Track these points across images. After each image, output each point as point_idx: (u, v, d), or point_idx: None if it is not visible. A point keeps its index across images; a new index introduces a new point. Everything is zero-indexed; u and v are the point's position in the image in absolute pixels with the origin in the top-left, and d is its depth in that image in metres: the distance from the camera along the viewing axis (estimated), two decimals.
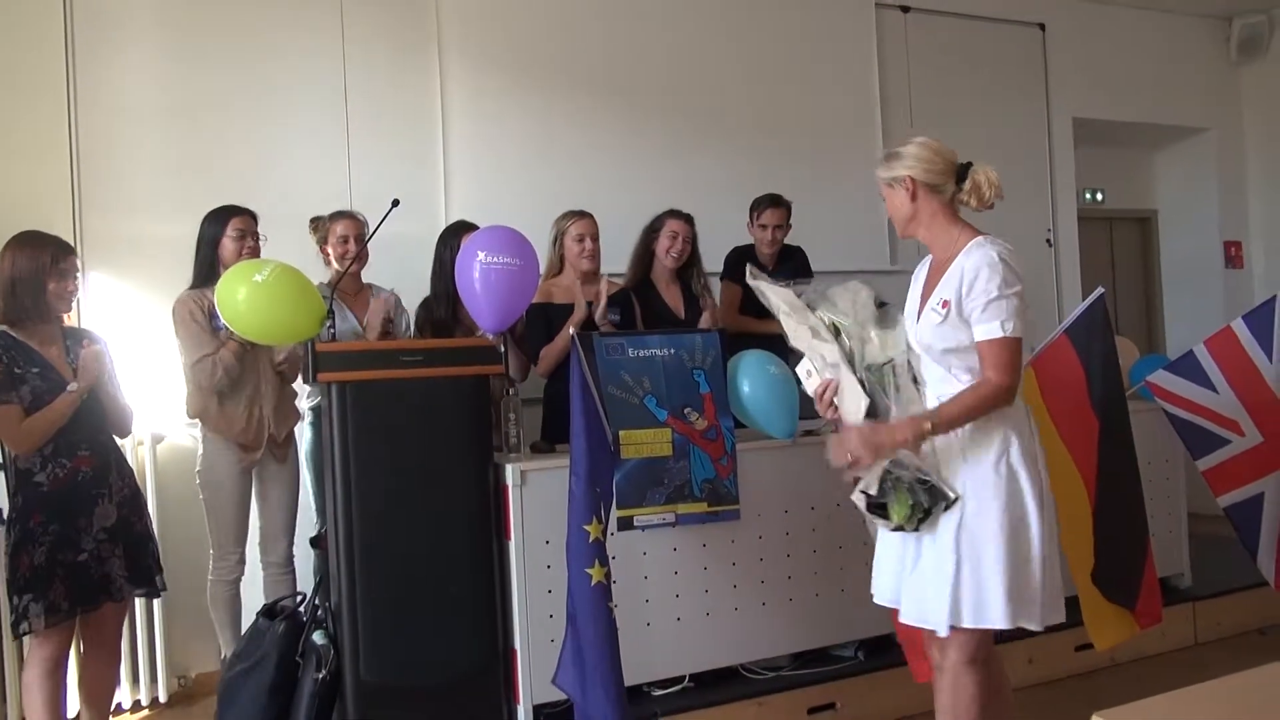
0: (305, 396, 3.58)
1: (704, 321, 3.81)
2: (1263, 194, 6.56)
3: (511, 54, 4.44)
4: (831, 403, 2.31)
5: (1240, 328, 3.65)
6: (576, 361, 2.72)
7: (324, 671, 2.75)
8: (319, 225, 3.63)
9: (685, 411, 3.03)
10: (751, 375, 3.15)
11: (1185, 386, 3.69)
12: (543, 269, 3.46)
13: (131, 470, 3.01)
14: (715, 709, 3.08)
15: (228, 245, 3.31)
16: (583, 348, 2.79)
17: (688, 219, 3.87)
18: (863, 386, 2.25)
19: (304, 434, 3.58)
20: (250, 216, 3.36)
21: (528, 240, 3.14)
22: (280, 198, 3.75)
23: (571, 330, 3.27)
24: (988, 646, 2.31)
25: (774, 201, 4.14)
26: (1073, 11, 5.91)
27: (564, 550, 2.65)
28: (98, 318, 3.68)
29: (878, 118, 5.24)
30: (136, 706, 3.61)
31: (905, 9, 5.39)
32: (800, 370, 2.39)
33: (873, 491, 2.24)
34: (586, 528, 2.56)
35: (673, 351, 3.05)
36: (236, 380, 3.26)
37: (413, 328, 3.66)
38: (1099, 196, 6.63)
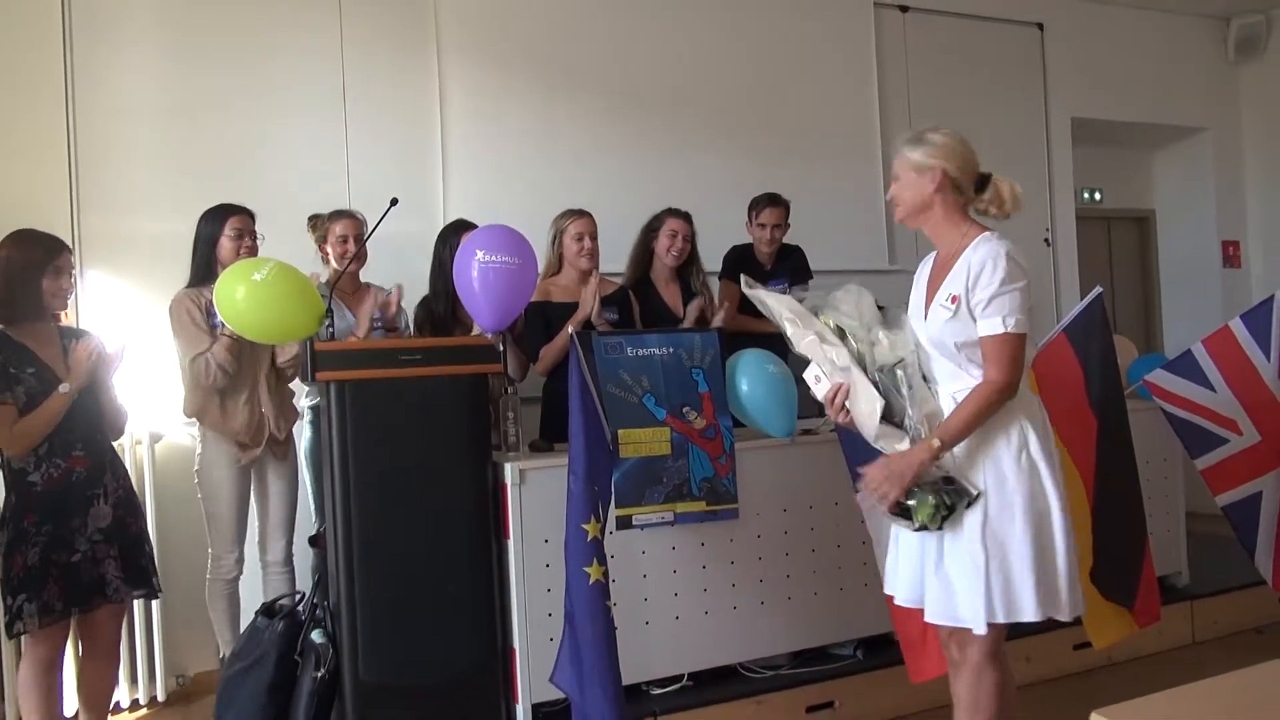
0: (304, 395, 3.58)
1: (693, 308, 3.79)
2: (1260, 194, 6.57)
3: (510, 53, 4.45)
4: (843, 406, 2.30)
5: (1238, 327, 3.65)
6: (575, 360, 2.72)
7: (323, 670, 2.75)
8: (318, 224, 3.63)
9: (684, 410, 3.03)
10: (750, 374, 3.15)
11: (1183, 386, 3.70)
12: (541, 268, 3.47)
13: (126, 471, 3.00)
14: (714, 708, 3.08)
15: (225, 244, 3.30)
16: (581, 347, 2.79)
17: (686, 217, 3.87)
18: (877, 388, 2.25)
19: (303, 433, 3.58)
20: (248, 215, 3.36)
21: (526, 239, 3.14)
22: (278, 197, 3.75)
23: (570, 329, 3.27)
24: (1004, 641, 2.31)
25: (772, 200, 4.14)
26: (1071, 11, 5.92)
27: (562, 549, 2.65)
28: (96, 317, 3.68)
29: (876, 117, 5.25)
30: (135, 705, 3.60)
31: (904, 9, 5.40)
32: (808, 376, 2.37)
33: None
34: (585, 526, 2.56)
35: (671, 350, 3.06)
36: (235, 378, 3.26)
37: (411, 327, 3.66)
38: (1097, 196, 6.63)
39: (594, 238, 3.62)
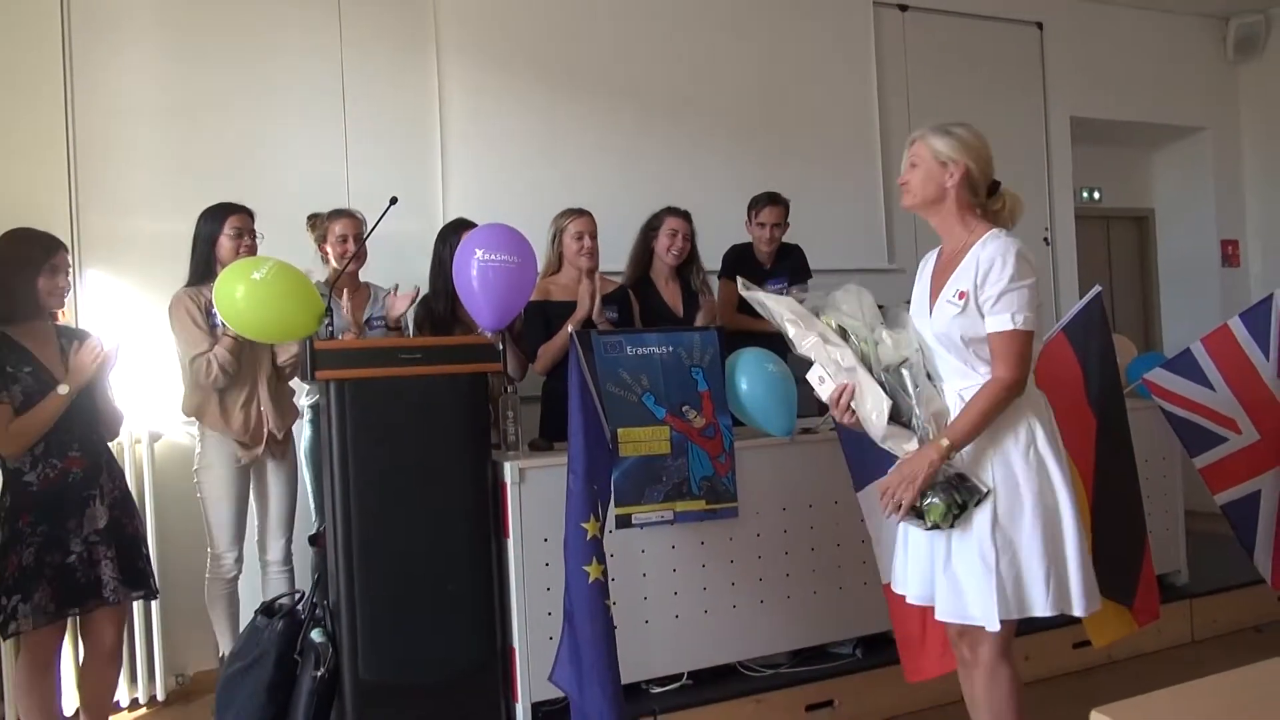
0: (304, 394, 3.58)
1: (701, 317, 3.81)
2: (1259, 193, 6.58)
3: (509, 53, 4.45)
4: (849, 407, 2.29)
5: (1237, 326, 3.66)
6: (575, 359, 2.73)
7: (322, 669, 2.75)
8: (317, 223, 3.63)
9: (683, 409, 3.03)
10: (750, 373, 3.15)
11: (1182, 384, 3.70)
12: (541, 267, 3.47)
13: (122, 471, 2.98)
14: (713, 706, 3.08)
15: (224, 243, 3.30)
16: (581, 345, 2.80)
17: (686, 216, 3.87)
18: (883, 388, 2.24)
19: (302, 431, 3.58)
20: (247, 214, 3.36)
21: (525, 238, 3.14)
22: (278, 196, 3.75)
23: (570, 328, 3.27)
24: (1013, 638, 2.31)
25: (772, 199, 4.14)
26: (1070, 11, 5.93)
27: (562, 548, 2.65)
28: (95, 316, 3.68)
29: (875, 116, 5.25)
30: (135, 705, 3.60)
31: (903, 7, 5.40)
32: (811, 377, 2.35)
33: None
34: (584, 525, 2.56)
35: (671, 349, 3.06)
36: (234, 377, 3.26)
37: (410, 326, 3.66)
38: (1096, 195, 6.64)
39: (593, 237, 3.62)
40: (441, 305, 3.54)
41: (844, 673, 3.28)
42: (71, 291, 2.93)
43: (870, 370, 2.26)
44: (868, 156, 5.22)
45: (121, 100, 3.82)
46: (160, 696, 3.65)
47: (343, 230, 3.54)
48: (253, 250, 3.32)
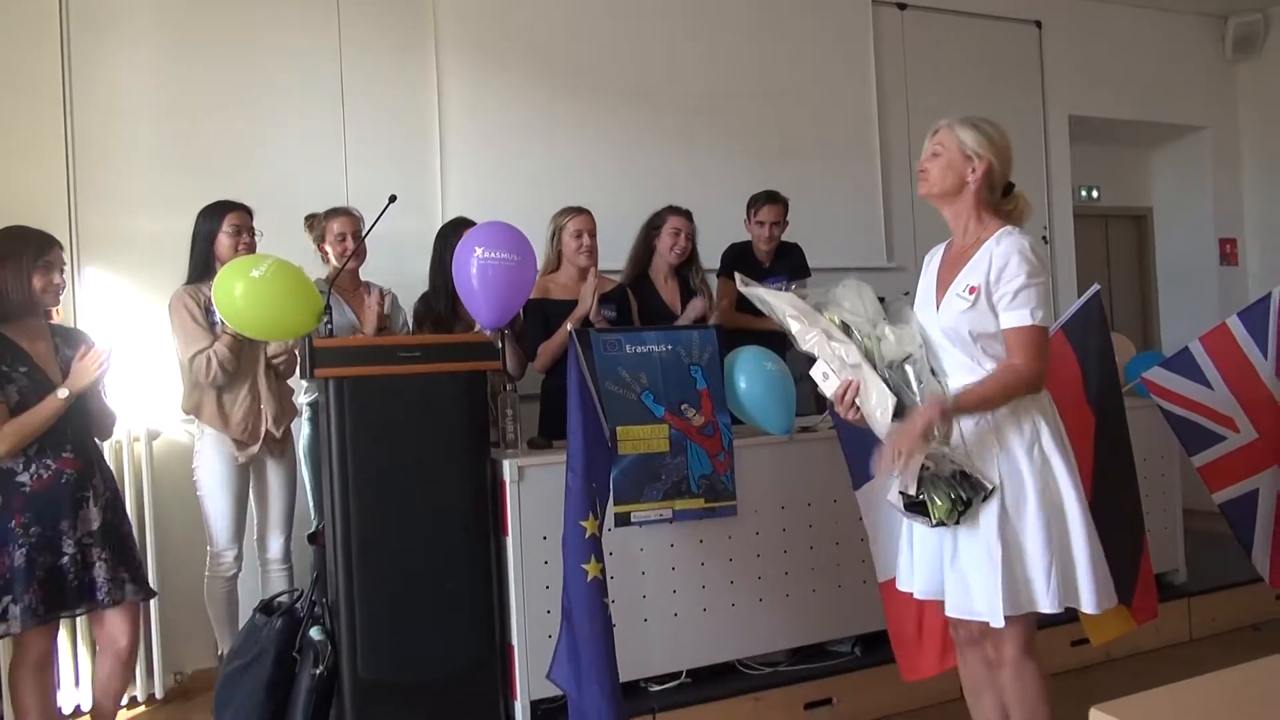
0: (303, 392, 3.58)
1: (692, 308, 3.80)
2: (1257, 192, 6.58)
3: (508, 50, 4.44)
4: (853, 403, 2.27)
5: (1235, 324, 3.66)
6: (574, 357, 2.72)
7: (321, 667, 2.75)
8: (314, 223, 3.63)
9: (682, 407, 3.03)
10: (749, 371, 3.15)
11: (1181, 383, 3.70)
12: (540, 265, 3.47)
13: (113, 472, 2.96)
14: (712, 704, 3.08)
15: (223, 241, 3.30)
16: (580, 344, 2.79)
17: (688, 215, 3.87)
18: (887, 384, 2.23)
19: (301, 429, 3.58)
20: (246, 212, 3.36)
21: (525, 236, 3.14)
22: (277, 195, 3.75)
23: (569, 326, 3.27)
24: (1035, 633, 2.30)
25: (771, 198, 4.14)
26: (1069, 9, 5.93)
27: (561, 546, 2.65)
28: (94, 315, 3.68)
29: (875, 114, 5.25)
30: (133, 703, 3.60)
31: (902, 6, 5.40)
32: (815, 373, 2.33)
33: (911, 491, 2.20)
34: (583, 523, 2.56)
35: (670, 348, 3.06)
36: (234, 375, 3.26)
37: (410, 324, 3.66)
38: (1095, 194, 6.64)
39: (593, 235, 3.62)
40: (442, 303, 3.54)
41: (843, 671, 3.28)
42: (67, 289, 2.91)
43: (874, 366, 2.25)
44: (866, 154, 5.23)
45: (120, 99, 3.82)
46: (159, 694, 3.64)
47: (341, 229, 3.54)
48: (251, 248, 3.32)
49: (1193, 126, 6.52)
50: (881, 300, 2.38)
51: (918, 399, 2.21)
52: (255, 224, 3.38)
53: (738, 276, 2.49)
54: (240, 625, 3.18)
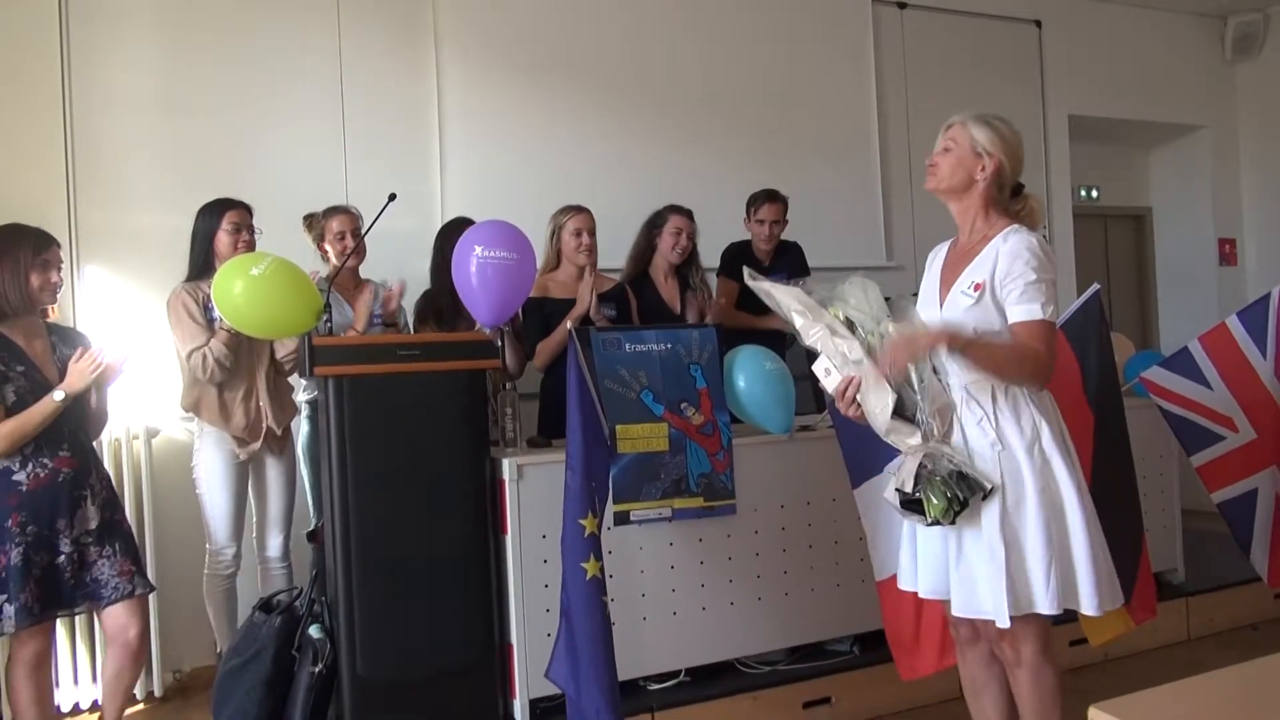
0: (302, 390, 3.58)
1: (690, 314, 3.80)
2: (1256, 191, 6.59)
3: (508, 48, 4.44)
4: (854, 400, 2.27)
5: (1234, 324, 3.66)
6: (573, 356, 2.72)
7: (320, 665, 2.75)
8: (313, 223, 3.63)
9: (682, 406, 3.04)
10: (748, 371, 3.15)
11: (1179, 383, 3.70)
12: (540, 264, 3.47)
13: (108, 471, 2.95)
14: (710, 703, 3.08)
15: (223, 238, 3.30)
16: (580, 342, 2.79)
17: (689, 215, 3.88)
18: (888, 382, 2.23)
19: (301, 428, 3.58)
20: (245, 210, 3.36)
21: (524, 235, 3.14)
22: (276, 193, 3.75)
23: (569, 325, 3.27)
24: (1051, 635, 2.30)
25: (771, 196, 4.15)
26: (1069, 9, 5.93)
27: (560, 545, 2.65)
28: (93, 312, 3.68)
29: (874, 113, 5.25)
30: (132, 700, 3.59)
31: (902, 5, 5.40)
32: (818, 369, 2.32)
33: (907, 489, 2.20)
34: (582, 522, 2.56)
35: (669, 346, 3.06)
36: (233, 373, 3.26)
37: (411, 322, 3.66)
38: (1094, 193, 6.64)
39: (592, 234, 3.62)
40: (445, 301, 3.54)
41: (841, 670, 3.28)
42: (65, 287, 2.90)
43: (876, 364, 2.25)
44: (866, 153, 5.23)
45: (119, 97, 3.81)
46: (158, 692, 3.64)
47: (340, 227, 3.54)
48: (251, 245, 3.32)
49: (1192, 126, 6.52)
50: (887, 300, 2.38)
51: (919, 397, 2.21)
52: (255, 222, 3.38)
53: (745, 270, 2.49)
54: (239, 623, 3.18)
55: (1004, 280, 2.17)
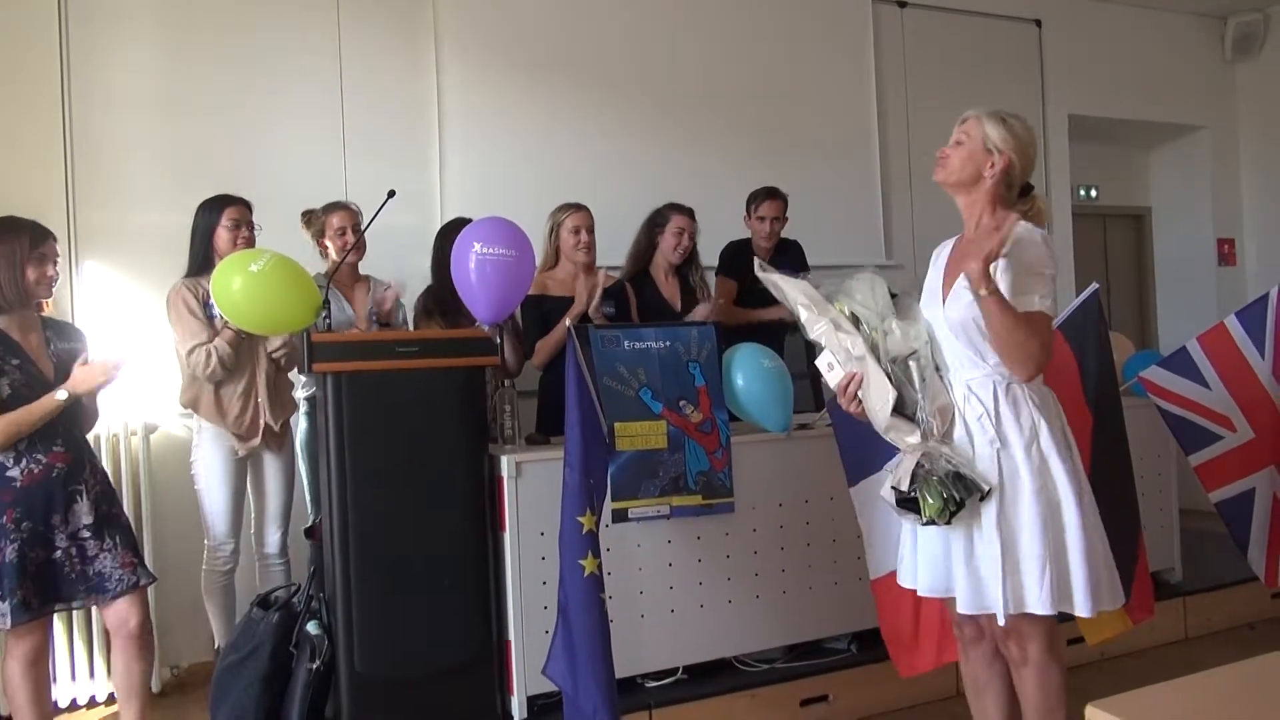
0: (300, 387, 3.58)
1: (699, 312, 3.81)
2: (1256, 192, 6.59)
3: (508, 46, 4.44)
4: (855, 396, 2.27)
5: (1233, 324, 3.66)
6: (572, 353, 2.72)
7: (318, 662, 2.75)
8: (312, 219, 3.63)
9: (680, 404, 3.04)
10: (746, 369, 3.15)
11: (1178, 382, 3.70)
12: (538, 261, 3.46)
13: (102, 464, 2.94)
14: (708, 701, 3.09)
15: (222, 235, 3.30)
16: (579, 340, 2.79)
17: (691, 214, 3.87)
18: (889, 379, 2.23)
19: (299, 424, 3.58)
20: (245, 206, 3.36)
21: (523, 232, 3.14)
22: (276, 190, 3.75)
23: (568, 322, 3.27)
24: (1057, 634, 2.30)
25: (771, 194, 4.15)
26: (1069, 8, 5.93)
27: (558, 542, 2.65)
28: (92, 308, 3.68)
29: (874, 112, 5.25)
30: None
31: (902, 4, 5.40)
32: (821, 363, 2.33)
33: (903, 487, 2.20)
34: (580, 519, 2.56)
35: (668, 344, 3.06)
36: (232, 370, 3.25)
37: (410, 319, 3.66)
38: (1093, 193, 6.64)
39: (591, 231, 3.62)
40: (449, 295, 3.53)
41: (839, 668, 3.29)
42: (60, 281, 2.88)
43: (879, 360, 2.25)
44: (865, 152, 5.23)
45: (119, 94, 3.81)
46: (155, 688, 3.64)
47: (341, 222, 3.54)
48: (250, 242, 3.31)
49: (1192, 126, 6.52)
50: (894, 296, 2.38)
51: (919, 396, 2.21)
52: (254, 219, 3.38)
53: (756, 261, 2.50)
54: (237, 619, 3.18)
55: (1004, 270, 2.17)
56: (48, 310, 2.89)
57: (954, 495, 2.15)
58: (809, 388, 3.88)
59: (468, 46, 4.36)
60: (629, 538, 3.03)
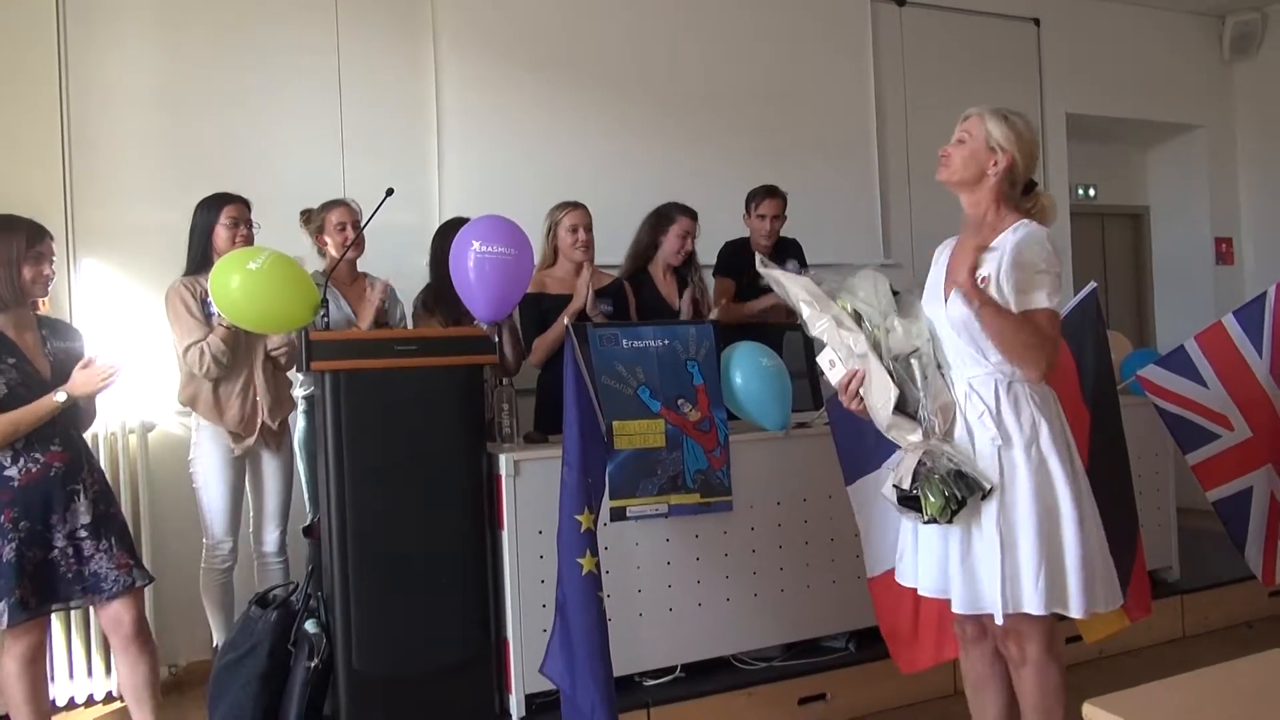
0: (299, 385, 3.58)
1: (685, 301, 3.79)
2: (1253, 191, 6.59)
3: (507, 44, 4.44)
4: (857, 393, 2.27)
5: (1231, 323, 3.66)
6: (570, 352, 2.72)
7: (316, 660, 2.75)
8: (311, 217, 3.63)
9: (678, 402, 3.04)
10: (744, 367, 3.15)
11: (1176, 381, 3.70)
12: (537, 260, 3.46)
13: (99, 464, 2.94)
14: (706, 699, 3.09)
15: (221, 233, 3.30)
16: (577, 338, 2.79)
17: (695, 216, 3.87)
18: (891, 377, 2.23)
19: (297, 422, 3.58)
20: (243, 204, 3.35)
21: (522, 230, 3.14)
22: (274, 189, 3.74)
23: (566, 320, 3.27)
24: (1057, 634, 2.30)
25: (770, 192, 4.15)
26: (1067, 7, 5.93)
27: (555, 540, 2.65)
28: (90, 306, 3.67)
29: (872, 111, 5.25)
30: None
31: (901, 2, 5.40)
32: (822, 360, 2.33)
33: (905, 485, 2.20)
34: (578, 517, 2.56)
35: (666, 343, 3.06)
36: (230, 368, 3.25)
37: (408, 318, 3.66)
38: (1091, 192, 6.65)
39: (588, 230, 3.62)
40: (450, 293, 3.52)
41: (837, 666, 3.29)
42: (58, 280, 2.87)
43: (880, 358, 2.25)
44: (864, 151, 5.23)
45: (117, 92, 3.81)
46: None
47: (340, 219, 3.54)
48: (249, 240, 3.31)
49: (1190, 125, 6.53)
50: (896, 295, 2.38)
51: (921, 394, 2.21)
52: (252, 217, 3.37)
53: (758, 257, 2.50)
54: (235, 618, 3.18)
55: (1010, 270, 2.17)
56: (44, 309, 2.88)
57: (956, 493, 2.15)
58: (807, 386, 3.88)
59: (466, 45, 4.36)
60: (627, 536, 3.03)
